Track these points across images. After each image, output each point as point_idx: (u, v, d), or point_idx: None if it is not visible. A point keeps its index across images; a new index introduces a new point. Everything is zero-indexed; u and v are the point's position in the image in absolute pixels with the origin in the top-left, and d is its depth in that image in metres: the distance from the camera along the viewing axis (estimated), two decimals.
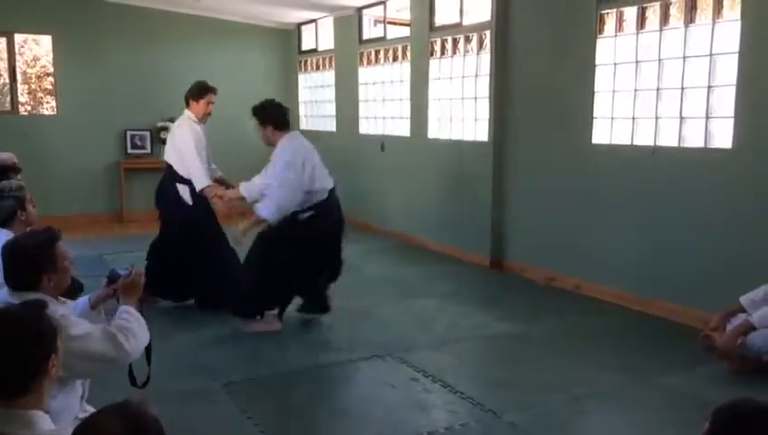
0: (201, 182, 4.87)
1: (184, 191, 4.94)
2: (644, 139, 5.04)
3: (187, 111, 5.08)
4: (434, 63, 7.10)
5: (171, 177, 4.99)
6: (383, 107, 8.11)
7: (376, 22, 8.47)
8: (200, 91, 5.07)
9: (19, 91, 8.62)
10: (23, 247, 2.35)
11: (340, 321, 4.88)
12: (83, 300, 2.72)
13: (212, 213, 5.09)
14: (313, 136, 9.50)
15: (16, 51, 8.53)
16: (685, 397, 3.58)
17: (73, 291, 3.15)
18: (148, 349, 2.54)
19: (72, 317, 2.33)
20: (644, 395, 3.62)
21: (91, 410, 2.59)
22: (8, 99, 8.57)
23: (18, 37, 8.57)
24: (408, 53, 7.53)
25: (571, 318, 4.95)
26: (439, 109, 7.13)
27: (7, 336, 1.59)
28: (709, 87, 4.56)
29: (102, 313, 2.72)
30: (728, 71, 4.45)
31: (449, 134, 7.00)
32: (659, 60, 4.87)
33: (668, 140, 4.88)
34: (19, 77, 8.60)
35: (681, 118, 4.76)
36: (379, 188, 8.04)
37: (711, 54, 4.53)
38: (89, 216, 8.68)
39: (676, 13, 4.79)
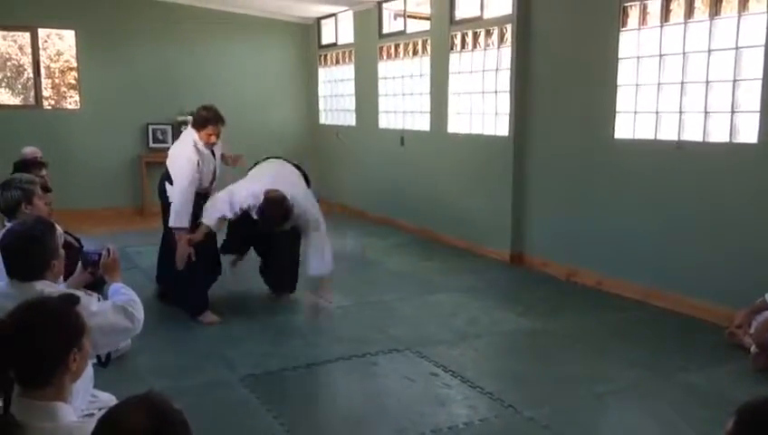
0: (175, 220, 4.58)
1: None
2: (668, 133, 4.98)
3: (194, 133, 4.73)
4: (454, 57, 7.07)
5: (167, 178, 4.86)
6: (403, 101, 8.09)
7: (396, 16, 8.43)
8: (201, 121, 4.69)
9: (43, 85, 8.71)
10: (30, 235, 2.40)
11: (359, 315, 4.89)
12: (60, 287, 2.72)
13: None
14: (332, 130, 9.62)
15: (40, 46, 8.62)
16: (708, 394, 3.54)
17: (98, 284, 3.19)
18: None
19: (87, 296, 2.41)
20: (666, 392, 3.59)
21: (100, 394, 2.66)
22: (32, 93, 8.67)
23: (42, 32, 8.65)
24: (428, 47, 7.50)
25: (593, 314, 4.91)
26: (459, 103, 7.10)
27: (25, 330, 1.61)
28: (735, 81, 4.49)
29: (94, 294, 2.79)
30: (754, 64, 4.37)
31: (469, 128, 6.96)
32: (684, 53, 4.80)
33: (693, 134, 4.81)
34: (43, 72, 8.69)
35: (706, 112, 4.69)
36: (398, 182, 8.03)
37: (737, 48, 4.45)
38: (111, 209, 8.77)
39: (701, 5, 4.72)
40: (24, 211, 3.42)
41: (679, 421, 3.29)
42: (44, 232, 2.45)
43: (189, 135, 4.77)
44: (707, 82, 4.65)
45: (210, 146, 4.77)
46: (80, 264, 2.81)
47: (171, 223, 4.60)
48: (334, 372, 3.90)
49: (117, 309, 2.42)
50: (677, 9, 4.87)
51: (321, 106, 10.00)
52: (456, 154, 7.07)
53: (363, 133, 8.82)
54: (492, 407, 3.39)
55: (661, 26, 4.96)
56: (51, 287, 2.36)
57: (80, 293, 2.39)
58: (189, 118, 8.96)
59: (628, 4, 5.18)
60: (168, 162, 4.82)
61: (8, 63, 9.02)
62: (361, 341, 4.32)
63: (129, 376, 3.48)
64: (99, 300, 2.66)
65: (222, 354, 4.09)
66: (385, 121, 8.41)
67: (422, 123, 7.68)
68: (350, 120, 9.20)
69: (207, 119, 4.67)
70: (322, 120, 10.02)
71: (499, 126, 6.53)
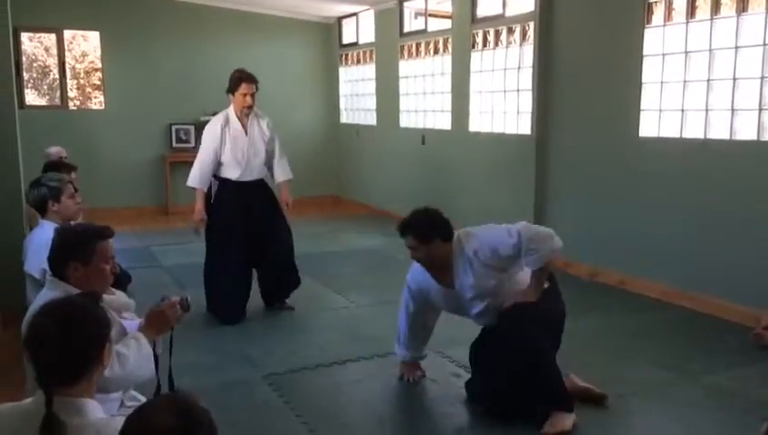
0: (189, 179, 4.80)
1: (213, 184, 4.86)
2: (693, 131, 4.91)
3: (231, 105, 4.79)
4: (475, 56, 7.04)
5: None
6: (424, 100, 8.08)
7: (417, 14, 8.43)
8: (232, 82, 4.69)
9: (68, 86, 8.84)
10: (65, 230, 2.41)
11: (380, 314, 4.88)
12: (134, 324, 2.51)
13: (230, 211, 4.72)
14: (353, 130, 9.63)
15: (65, 47, 8.75)
16: (733, 396, 3.49)
17: (122, 282, 3.19)
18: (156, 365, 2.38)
19: None
20: (691, 394, 3.54)
21: (139, 396, 2.63)
22: (58, 94, 8.80)
23: (67, 33, 8.78)
24: (450, 46, 7.48)
25: (616, 314, 4.87)
26: (481, 102, 7.07)
27: (69, 324, 1.62)
28: (762, 78, 4.42)
29: (160, 342, 2.45)
30: None
31: (491, 127, 6.93)
32: (710, 50, 4.73)
33: (719, 132, 4.75)
34: (68, 72, 8.83)
35: (733, 110, 4.63)
36: (419, 181, 8.02)
37: (765, 44, 4.38)
38: (135, 208, 8.87)
39: (728, 1, 4.65)
40: (51, 209, 3.45)
41: (704, 424, 3.25)
42: (80, 233, 2.35)
43: (221, 112, 4.87)
44: (734, 79, 4.59)
45: (248, 110, 4.71)
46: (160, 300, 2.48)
47: (187, 182, 4.79)
48: (356, 371, 3.90)
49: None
50: (704, 5, 4.80)
51: (342, 105, 10.02)
52: (477, 153, 7.04)
53: (384, 132, 8.82)
54: None
55: (687, 23, 4.89)
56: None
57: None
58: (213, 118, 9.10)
59: (653, 0, 5.12)
60: None
61: (34, 65, 9.16)
62: (383, 340, 4.31)
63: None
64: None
65: (245, 353, 4.11)
66: (406, 120, 8.41)
67: (443, 122, 7.66)
68: (370, 119, 9.21)
69: (240, 78, 4.65)
70: (343, 119, 10.04)
71: (521, 124, 6.49)
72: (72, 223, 3.30)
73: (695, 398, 3.50)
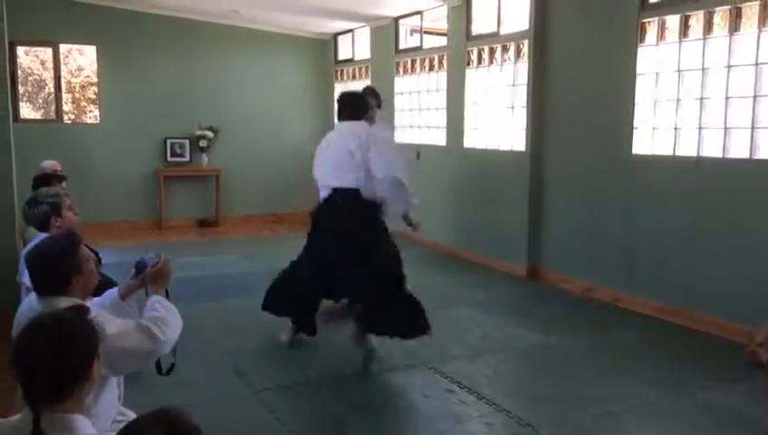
0: (407, 179, 4.33)
1: None
2: (686, 149, 4.94)
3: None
4: (470, 73, 7.08)
5: None
6: (419, 116, 8.11)
7: (412, 31, 8.48)
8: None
9: (63, 100, 8.83)
10: (49, 252, 2.39)
11: None
12: (113, 292, 2.75)
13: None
14: None
15: (61, 61, 8.75)
16: (726, 413, 3.49)
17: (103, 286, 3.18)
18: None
19: (107, 316, 2.37)
20: (684, 411, 3.53)
21: (128, 412, 2.63)
22: (53, 108, 8.79)
23: (63, 47, 8.78)
24: (445, 63, 7.52)
25: (609, 331, 4.87)
26: (476, 118, 7.10)
27: (57, 341, 1.61)
28: (755, 96, 4.46)
29: (134, 304, 2.73)
30: None
31: (486, 144, 6.96)
32: (703, 69, 4.78)
33: (712, 150, 4.78)
34: (64, 86, 8.82)
35: (725, 128, 4.66)
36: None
37: (756, 63, 4.43)
38: (129, 222, 8.86)
39: (720, 21, 4.70)
40: (54, 225, 3.46)
41: None
42: (64, 248, 2.43)
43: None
44: (727, 97, 4.62)
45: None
46: (133, 270, 2.71)
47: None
48: (349, 387, 3.88)
49: (139, 329, 2.31)
50: (696, 25, 4.85)
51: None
52: (472, 169, 7.06)
53: None
54: (509, 424, 3.36)
55: (680, 42, 4.94)
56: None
57: (101, 312, 2.37)
58: (207, 132, 9.14)
59: (647, 20, 5.17)
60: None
61: (30, 78, 9.16)
62: (377, 356, 4.30)
63: (143, 389, 3.48)
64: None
65: (237, 368, 4.09)
66: (401, 136, 8.42)
67: (438, 138, 7.69)
68: None
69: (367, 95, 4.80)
70: None
71: (516, 141, 6.52)
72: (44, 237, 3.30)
73: (688, 415, 3.49)
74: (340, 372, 4.04)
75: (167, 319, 2.39)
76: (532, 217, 6.30)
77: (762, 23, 4.40)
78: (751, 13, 4.49)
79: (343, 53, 9.81)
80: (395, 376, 4.03)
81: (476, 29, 7.07)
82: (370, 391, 3.88)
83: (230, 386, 3.83)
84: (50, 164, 5.79)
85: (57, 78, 8.64)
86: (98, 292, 2.79)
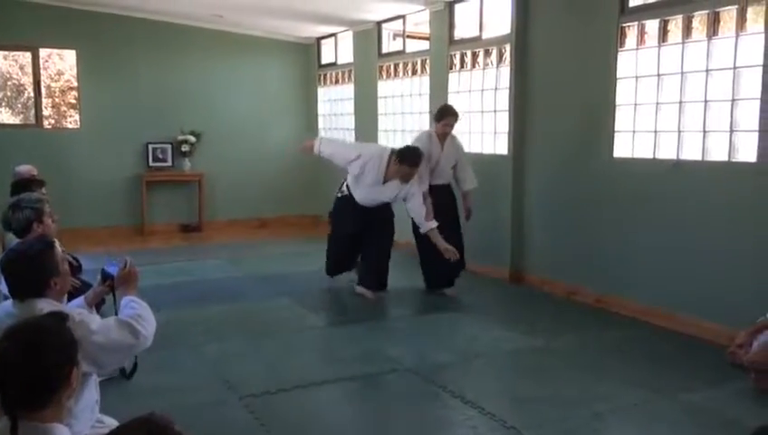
0: None
1: None
2: (666, 152, 5.00)
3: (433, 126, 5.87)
4: (453, 77, 7.11)
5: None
6: (402, 120, 8.13)
7: (395, 35, 8.51)
8: (439, 113, 5.79)
9: (43, 104, 8.74)
10: (26, 255, 2.41)
11: (358, 335, 4.87)
12: (78, 300, 2.83)
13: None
14: None
15: (41, 65, 8.66)
16: (708, 414, 3.52)
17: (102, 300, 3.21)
18: None
19: (89, 314, 2.42)
20: (667, 411, 3.57)
21: (106, 419, 2.64)
22: (32, 112, 8.69)
23: (43, 52, 8.68)
24: (428, 67, 7.55)
25: (593, 333, 4.90)
26: (459, 122, 7.10)
27: (32, 349, 1.59)
28: (733, 100, 4.52)
29: (94, 310, 2.84)
30: (752, 84, 4.40)
31: (468, 147, 6.97)
32: (682, 73, 4.83)
33: (691, 153, 4.84)
34: (43, 91, 8.72)
35: (704, 131, 4.72)
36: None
37: (735, 67, 4.49)
38: (111, 228, 8.77)
39: (699, 26, 4.76)
40: (35, 230, 3.43)
41: None
42: (42, 251, 2.45)
43: (425, 130, 6.25)
44: (706, 101, 4.68)
45: (444, 136, 5.82)
46: (99, 277, 2.81)
47: None
48: (334, 393, 3.87)
49: (121, 325, 2.38)
50: (675, 30, 4.91)
51: (321, 125, 10.03)
52: None
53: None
54: (494, 428, 3.36)
55: (659, 46, 5.00)
56: (52, 306, 2.34)
57: (82, 311, 2.40)
58: (189, 137, 9.08)
59: (627, 24, 5.22)
60: None
61: (8, 83, 9.06)
62: (361, 361, 4.30)
63: (128, 396, 3.45)
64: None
65: (221, 374, 4.06)
66: (384, 140, 8.43)
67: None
68: (349, 138, 9.23)
69: (444, 111, 5.81)
70: None
71: (498, 145, 6.56)
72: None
73: (671, 415, 3.52)
74: (325, 378, 4.03)
75: (144, 316, 2.49)
76: (515, 221, 6.33)
77: (739, 27, 4.46)
78: (729, 17, 4.55)
79: (326, 57, 9.81)
80: (380, 381, 4.03)
81: (459, 33, 7.10)
82: (355, 397, 3.88)
83: (215, 392, 3.80)
84: (26, 169, 5.69)
85: (36, 83, 8.55)
86: (77, 297, 2.84)
